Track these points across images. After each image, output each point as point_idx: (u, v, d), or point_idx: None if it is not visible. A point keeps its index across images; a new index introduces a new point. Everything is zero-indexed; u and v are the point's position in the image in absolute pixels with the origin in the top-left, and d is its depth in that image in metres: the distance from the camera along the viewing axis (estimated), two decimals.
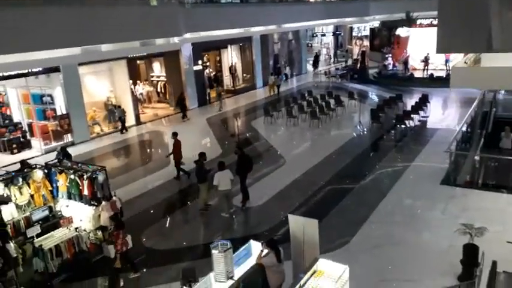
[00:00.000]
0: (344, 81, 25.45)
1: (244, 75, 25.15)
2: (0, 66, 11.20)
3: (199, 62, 21.16)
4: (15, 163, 10.97)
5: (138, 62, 20.61)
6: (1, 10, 8.79)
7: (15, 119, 15.43)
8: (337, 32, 32.44)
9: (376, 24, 30.21)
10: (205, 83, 22.24)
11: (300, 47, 29.17)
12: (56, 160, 8.41)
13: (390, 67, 26.12)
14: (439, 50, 4.39)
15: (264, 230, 8.55)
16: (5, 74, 12.82)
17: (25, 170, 7.76)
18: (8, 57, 9.35)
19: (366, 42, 30.51)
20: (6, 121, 15.33)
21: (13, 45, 9.03)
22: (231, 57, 24.53)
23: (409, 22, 26.36)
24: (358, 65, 27.43)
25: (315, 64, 29.99)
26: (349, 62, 30.14)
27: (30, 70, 13.12)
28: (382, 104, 17.51)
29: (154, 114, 19.83)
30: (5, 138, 14.23)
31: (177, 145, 11.51)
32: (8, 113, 15.55)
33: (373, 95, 21.64)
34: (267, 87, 24.15)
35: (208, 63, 24.03)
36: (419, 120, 16.07)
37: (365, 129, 15.71)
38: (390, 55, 26.66)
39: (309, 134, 16.04)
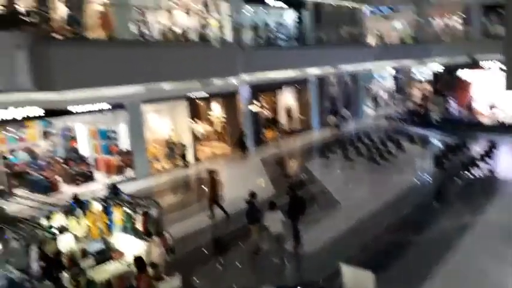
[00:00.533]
0: (404, 125, 24.60)
1: (300, 116, 25.16)
2: (73, 100, 12.07)
3: (256, 102, 21.55)
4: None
5: (198, 101, 21.37)
6: (77, 49, 9.58)
7: (82, 153, 16.41)
8: (397, 75, 31.86)
9: (438, 67, 29.29)
10: (261, 123, 22.51)
11: (357, 89, 28.89)
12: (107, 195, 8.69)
13: (454, 112, 24.96)
14: (509, 87, 4.04)
15: (315, 279, 8.10)
16: (77, 110, 13.83)
17: (82, 202, 8.04)
18: (80, 93, 10.09)
19: (428, 86, 29.55)
20: (74, 154, 16.36)
21: (84, 81, 9.71)
22: (287, 98, 24.78)
23: (473, 65, 25.29)
24: (420, 109, 26.50)
25: (374, 107, 29.43)
26: (410, 105, 29.25)
27: (98, 107, 14.04)
28: (446, 150, 16.57)
29: (212, 153, 20.25)
30: (72, 171, 15.08)
31: (213, 183, 11.55)
32: (76, 147, 16.61)
33: (436, 140, 20.64)
34: (323, 128, 23.98)
35: (264, 104, 24.41)
36: (487, 170, 14.85)
37: (427, 176, 14.84)
38: (453, 99, 25.55)
39: (366, 178, 15.46)
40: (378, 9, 30.43)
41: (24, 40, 8.28)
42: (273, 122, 23.96)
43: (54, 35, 9.39)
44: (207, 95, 19.24)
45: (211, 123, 22.67)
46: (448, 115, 24.63)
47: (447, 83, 27.49)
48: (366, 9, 29.87)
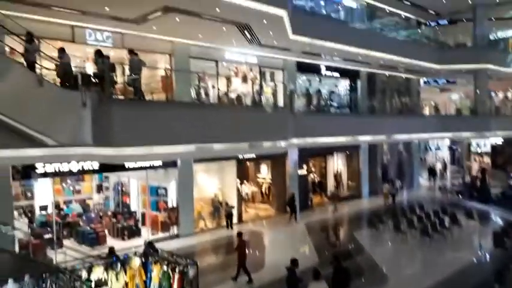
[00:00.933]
0: (461, 198, 23.25)
1: (350, 182, 24.62)
2: (129, 156, 12.71)
3: (304, 166, 21.49)
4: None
5: (247, 162, 21.70)
6: (136, 109, 10.31)
7: (132, 208, 16.93)
8: (453, 147, 30.74)
9: (498, 140, 27.98)
10: (309, 187, 22.25)
11: (411, 159, 28.04)
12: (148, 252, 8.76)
13: None
14: None
15: None
16: (131, 166, 14.51)
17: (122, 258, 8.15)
18: (136, 150, 10.63)
19: (487, 159, 28.16)
20: (124, 209, 16.91)
21: (141, 139, 10.26)
22: (336, 164, 24.51)
23: None
24: (478, 183, 25.06)
25: (429, 178, 28.23)
26: (467, 178, 27.79)
27: (151, 164, 14.68)
28: (507, 228, 15.30)
29: (256, 215, 20.11)
30: (120, 225, 15.51)
31: (242, 246, 11.34)
32: (128, 202, 17.20)
33: (496, 217, 19.18)
34: (373, 197, 23.20)
35: (313, 169, 24.26)
36: None
37: (486, 255, 13.63)
38: None
39: (418, 253, 14.50)
40: (434, 81, 30.21)
41: (90, 99, 9.02)
42: (320, 187, 23.60)
43: (116, 95, 10.20)
44: (255, 157, 19.53)
45: (258, 184, 22.75)
46: (509, 190, 23.05)
47: (509, 157, 26.04)
48: (421, 80, 29.85)
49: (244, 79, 19.34)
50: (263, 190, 22.63)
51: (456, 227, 16.40)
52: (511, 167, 24.90)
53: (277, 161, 20.84)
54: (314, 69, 22.31)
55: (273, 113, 14.56)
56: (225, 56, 17.99)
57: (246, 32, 15.30)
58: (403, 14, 27.67)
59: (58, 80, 9.47)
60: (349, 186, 24.53)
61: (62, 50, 9.67)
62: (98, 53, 10.29)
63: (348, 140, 20.66)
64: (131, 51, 11.27)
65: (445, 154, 32.40)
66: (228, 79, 19.58)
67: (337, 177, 24.37)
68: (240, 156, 18.42)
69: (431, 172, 28.70)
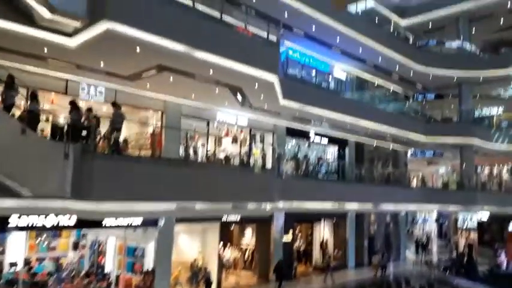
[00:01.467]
0: (447, 274, 22.63)
1: (336, 251, 23.90)
2: (108, 212, 12.20)
3: (290, 232, 20.93)
4: None
5: (231, 225, 21.11)
6: (118, 163, 10.09)
7: (107, 269, 16.00)
8: (440, 220, 30.52)
9: (485, 216, 27.96)
10: (293, 255, 21.51)
11: (398, 231, 27.64)
12: None
13: (504, 265, 22.88)
14: None
15: None
16: (110, 223, 13.91)
17: None
18: (115, 205, 10.27)
19: (473, 235, 27.80)
20: (99, 270, 15.99)
21: (121, 194, 9.95)
22: (323, 231, 23.97)
23: None
24: (465, 259, 24.56)
25: (415, 251, 27.66)
26: (454, 253, 27.28)
27: (130, 223, 14.10)
28: None
29: (237, 283, 19.16)
30: (91, 286, 14.56)
31: None
32: (103, 262, 16.31)
33: None
34: (359, 268, 22.45)
35: (299, 235, 23.65)
36: None
37: None
38: (503, 252, 23.65)
39: None
40: (421, 152, 30.69)
41: (73, 151, 8.82)
42: (305, 255, 22.86)
43: (99, 149, 10.03)
44: (240, 220, 19.03)
45: (241, 249, 21.95)
46: (497, 268, 22.60)
47: (496, 234, 25.85)
48: (409, 151, 30.31)
49: (235, 140, 19.43)
50: (246, 256, 21.79)
51: None
52: (498, 244, 24.57)
53: (262, 225, 20.30)
54: (303, 135, 22.56)
55: (259, 174, 14.46)
56: (217, 117, 18.14)
57: (238, 94, 15.56)
58: (392, 87, 28.82)
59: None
60: (335, 256, 23.79)
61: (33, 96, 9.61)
62: (72, 104, 10.34)
63: (334, 207, 20.42)
64: (114, 104, 11.31)
65: (433, 227, 32.07)
66: (219, 139, 19.74)
67: (323, 245, 23.71)
68: (224, 218, 17.93)
69: (419, 245, 28.17)
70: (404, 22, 28.87)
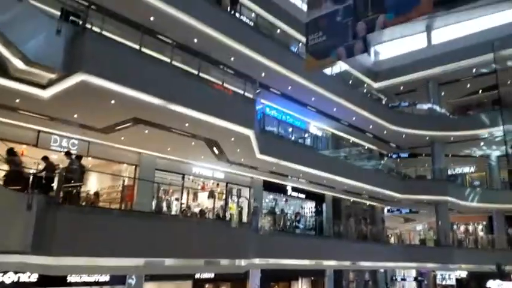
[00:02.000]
0: None
1: None
2: (71, 268, 11.60)
3: None
4: None
5: (205, 284, 20.26)
6: (84, 216, 9.79)
7: None
8: (419, 278, 30.02)
9: (463, 274, 27.74)
10: None
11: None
12: None
13: None
14: None
15: None
16: (74, 280, 13.18)
17: None
18: (79, 261, 9.79)
19: None
20: None
21: (86, 249, 9.54)
22: None
23: (501, 275, 23.82)
24: None
25: None
26: None
27: (96, 280, 13.42)
28: None
29: None
30: None
31: None
32: None
33: None
34: None
35: None
36: None
37: None
38: None
39: None
40: (397, 210, 30.86)
41: (36, 202, 8.54)
42: None
43: (64, 201, 9.73)
44: (214, 277, 18.34)
45: None
46: None
47: None
48: (385, 208, 30.46)
49: (211, 195, 19.24)
50: None
51: None
52: None
53: (237, 283, 19.57)
54: (281, 190, 22.58)
55: (234, 229, 14.18)
56: (193, 170, 18.08)
57: (214, 148, 15.66)
58: (367, 145, 29.55)
59: None
60: None
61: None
62: (44, 159, 10.22)
63: (312, 264, 19.99)
64: (68, 154, 11.21)
65: (412, 285, 31.45)
66: (194, 194, 19.51)
67: None
68: (198, 275, 17.25)
69: None
70: (376, 85, 30.26)
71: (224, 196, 19.84)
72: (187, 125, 12.90)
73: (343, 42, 13.88)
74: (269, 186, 21.70)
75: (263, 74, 18.79)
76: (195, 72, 13.96)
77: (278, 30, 21.82)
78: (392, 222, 31.71)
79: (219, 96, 13.49)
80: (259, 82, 19.37)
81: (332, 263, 21.08)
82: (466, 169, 33.71)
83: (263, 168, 19.26)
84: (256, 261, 17.15)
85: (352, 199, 27.19)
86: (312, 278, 23.67)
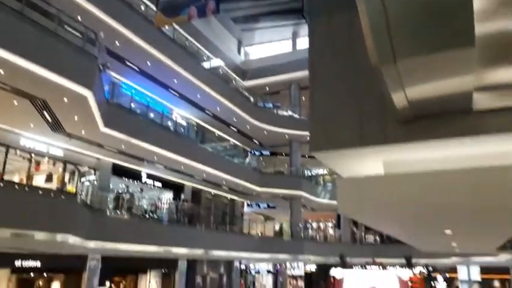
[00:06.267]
0: None
1: None
2: None
3: (107, 285, 18.28)
4: None
5: (29, 275, 17.47)
6: None
7: None
8: (274, 271, 30.93)
9: (312, 266, 29.48)
10: None
11: (231, 282, 26.88)
12: None
13: None
14: (312, 148, 3.08)
15: None
16: None
17: None
18: None
19: (301, 283, 28.84)
20: None
21: None
22: (149, 283, 21.66)
23: (343, 265, 25.84)
24: None
25: None
26: None
27: None
28: None
29: None
30: None
31: None
32: None
33: None
34: None
35: None
36: None
37: None
38: None
39: None
40: (256, 204, 31.52)
41: None
42: None
43: None
44: (42, 267, 15.86)
45: None
46: None
47: (320, 282, 27.15)
48: (245, 203, 30.85)
49: (49, 178, 16.89)
50: None
51: None
52: None
53: (72, 275, 17.30)
54: (133, 175, 20.91)
55: (57, 199, 12.31)
56: (21, 142, 15.47)
57: (45, 112, 13.53)
58: (232, 140, 29.66)
59: None
60: None
61: None
62: None
63: (160, 251, 18.75)
64: None
65: (266, 278, 32.30)
66: (28, 176, 16.74)
67: None
68: (18, 263, 14.66)
69: None
70: (245, 83, 30.80)
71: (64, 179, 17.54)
72: (2, 72, 10.78)
73: (195, 2, 13.16)
74: (120, 171, 19.88)
75: (103, 35, 16.69)
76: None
77: None
78: (253, 221, 32.25)
79: (47, 42, 11.54)
80: (112, 51, 17.84)
81: (183, 250, 20.11)
82: (321, 171, 36.25)
83: (111, 146, 17.52)
84: (91, 244, 15.34)
85: (213, 192, 26.79)
86: (163, 271, 22.33)
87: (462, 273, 27.07)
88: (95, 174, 18.77)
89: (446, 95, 2.31)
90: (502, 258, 18.83)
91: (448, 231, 4.83)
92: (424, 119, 2.47)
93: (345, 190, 3.03)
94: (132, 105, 19.62)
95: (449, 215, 3.58)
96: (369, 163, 2.89)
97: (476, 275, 26.62)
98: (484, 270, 26.85)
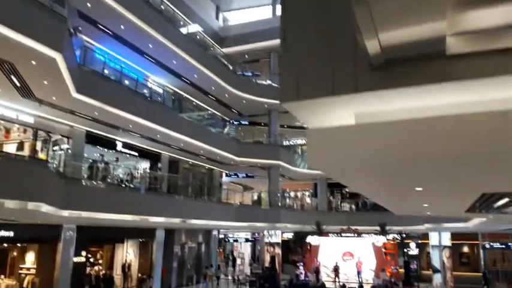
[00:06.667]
0: None
1: (140, 275, 21.77)
2: None
3: (83, 254, 18.19)
4: None
5: (5, 246, 17.23)
6: None
7: None
8: (250, 239, 31.48)
9: (289, 234, 30.09)
10: (85, 281, 18.64)
11: (209, 251, 27.21)
12: None
13: (302, 276, 24.48)
14: (282, 99, 2.95)
15: None
16: None
17: None
18: None
19: (278, 250, 29.46)
20: None
21: None
22: (126, 253, 21.71)
23: (319, 232, 26.47)
24: (269, 273, 25.48)
25: (227, 267, 27.62)
26: (259, 269, 28.24)
27: None
28: None
29: None
30: None
31: None
32: None
33: None
34: None
35: (99, 259, 20.90)
36: None
37: None
38: (302, 264, 25.44)
39: None
40: (234, 174, 31.59)
41: None
42: (104, 281, 20.15)
43: None
44: (15, 238, 15.61)
45: (20, 278, 18.00)
46: (297, 280, 24.03)
47: (297, 249, 27.82)
48: (223, 173, 30.85)
49: (20, 146, 16.33)
50: (25, 285, 17.92)
51: None
52: (298, 257, 26.43)
53: (46, 245, 17.12)
54: (108, 144, 20.45)
55: (25, 163, 11.93)
56: None
57: (12, 76, 12.90)
58: (210, 109, 29.26)
59: None
60: (139, 279, 21.66)
61: None
62: None
63: (137, 220, 18.61)
64: None
65: (245, 246, 32.91)
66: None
67: (125, 268, 21.36)
68: None
69: (230, 263, 28.27)
70: (223, 50, 30.10)
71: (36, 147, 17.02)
72: None
73: None
74: (94, 140, 19.38)
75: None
76: None
77: None
78: (231, 193, 32.35)
79: (12, 1, 10.85)
80: (83, 14, 17.09)
81: (161, 219, 20.03)
82: (299, 141, 36.39)
83: (84, 114, 16.98)
84: (66, 213, 15.08)
85: (191, 161, 26.61)
86: (140, 240, 22.36)
87: (433, 239, 28.07)
88: (68, 142, 18.28)
89: (421, 40, 2.20)
90: (471, 224, 19.54)
91: (419, 189, 4.89)
92: (397, 66, 2.37)
93: (315, 141, 2.94)
94: (106, 71, 18.94)
95: (420, 168, 3.57)
96: (341, 114, 2.79)
97: (447, 240, 27.65)
98: (455, 236, 27.93)
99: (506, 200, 6.20)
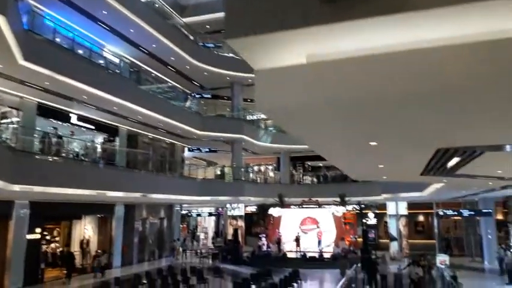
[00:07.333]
0: (216, 262, 23.06)
1: (99, 251, 21.21)
2: None
3: (38, 231, 17.49)
4: None
5: None
6: None
7: None
8: (213, 213, 31.48)
9: (252, 207, 30.30)
10: (42, 258, 18.02)
11: (171, 226, 26.99)
12: None
13: (264, 248, 24.86)
14: (228, 35, 2.70)
15: None
16: None
17: None
18: None
19: (241, 223, 29.67)
20: None
21: None
22: (84, 229, 21.10)
23: (281, 204, 26.77)
24: (232, 245, 25.69)
25: (192, 242, 27.60)
26: (223, 243, 28.48)
27: None
28: (250, 278, 15.17)
29: None
30: None
31: None
32: None
33: (243, 273, 19.35)
34: (126, 267, 20.43)
35: (55, 236, 20.23)
36: None
37: None
38: (264, 236, 25.77)
39: None
40: (197, 149, 31.20)
41: None
42: (61, 258, 19.57)
43: None
44: None
45: None
46: (259, 251, 24.40)
47: (259, 222, 28.12)
48: (186, 147, 30.37)
49: None
50: None
51: (202, 284, 15.49)
52: (261, 229, 26.77)
53: None
54: (62, 117, 19.46)
55: None
56: None
57: None
58: (170, 81, 28.44)
59: None
60: (97, 255, 21.14)
61: None
62: None
63: (94, 195, 17.99)
64: None
65: (208, 220, 32.96)
66: None
67: (83, 245, 20.79)
68: None
69: (193, 238, 28.26)
70: (184, 20, 29.09)
71: None
72: None
73: None
74: (46, 112, 18.35)
75: None
76: None
77: None
78: (194, 169, 32.00)
79: None
80: None
81: (120, 194, 19.49)
82: (263, 115, 36.23)
83: (34, 84, 15.97)
84: (17, 188, 14.31)
85: (150, 135, 25.93)
86: (99, 216, 21.77)
87: (391, 208, 29.12)
88: (18, 115, 17.24)
89: None
90: (426, 193, 20.32)
91: (373, 143, 4.84)
92: None
93: (263, 82, 2.74)
94: (57, 39, 17.81)
95: (373, 114, 3.47)
96: (291, 53, 2.59)
97: (403, 210, 28.76)
98: (411, 205, 29.09)
99: (458, 159, 6.34)
